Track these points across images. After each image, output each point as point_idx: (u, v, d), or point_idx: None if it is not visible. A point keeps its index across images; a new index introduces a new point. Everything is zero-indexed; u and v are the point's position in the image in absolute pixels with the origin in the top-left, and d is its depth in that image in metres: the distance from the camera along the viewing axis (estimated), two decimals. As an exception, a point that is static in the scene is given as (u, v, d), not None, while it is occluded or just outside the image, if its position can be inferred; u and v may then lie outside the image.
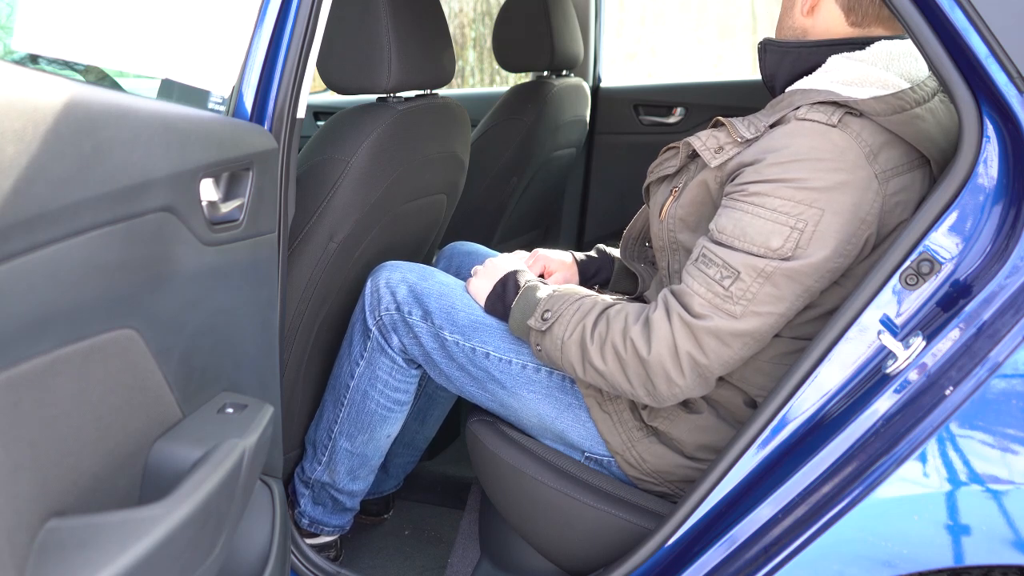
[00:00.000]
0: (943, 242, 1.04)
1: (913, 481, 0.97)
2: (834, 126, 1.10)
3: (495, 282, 1.38)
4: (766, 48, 1.26)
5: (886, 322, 1.06)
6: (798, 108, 1.14)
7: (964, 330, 0.99)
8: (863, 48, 1.17)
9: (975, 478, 0.96)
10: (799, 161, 1.09)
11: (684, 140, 1.26)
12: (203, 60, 1.18)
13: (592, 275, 1.61)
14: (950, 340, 1.00)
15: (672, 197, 1.28)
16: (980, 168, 1.01)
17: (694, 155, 1.26)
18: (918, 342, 1.02)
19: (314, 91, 2.34)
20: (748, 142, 1.16)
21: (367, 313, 1.43)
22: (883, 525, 0.99)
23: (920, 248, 1.04)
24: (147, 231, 0.90)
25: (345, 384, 1.48)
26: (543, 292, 1.30)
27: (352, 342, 1.47)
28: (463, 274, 1.64)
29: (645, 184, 1.38)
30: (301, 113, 1.21)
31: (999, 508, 0.95)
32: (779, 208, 1.09)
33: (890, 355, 1.04)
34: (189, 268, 0.99)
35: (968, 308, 0.99)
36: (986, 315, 0.99)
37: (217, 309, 1.06)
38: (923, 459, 0.97)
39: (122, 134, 0.85)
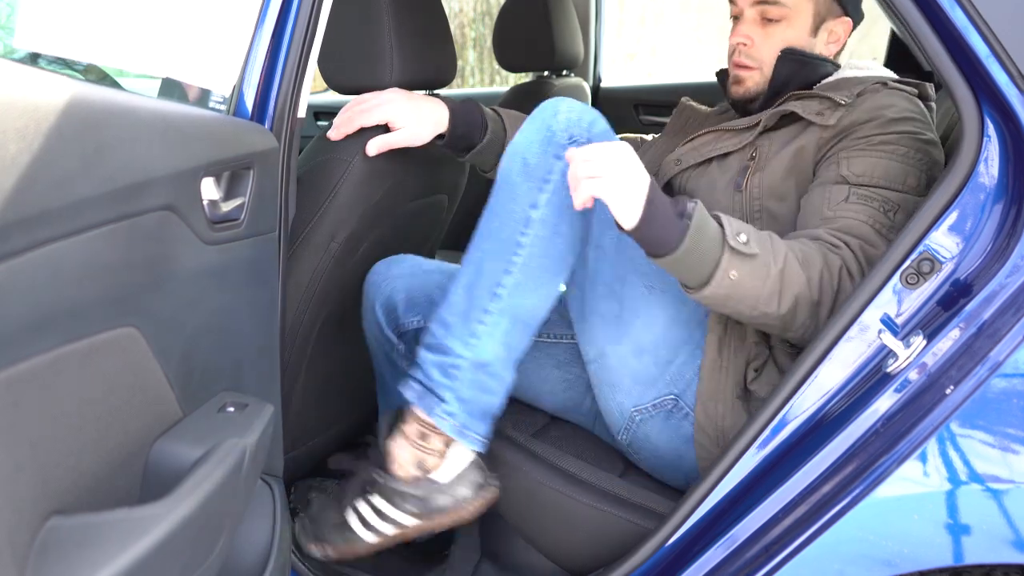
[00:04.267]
0: (944, 241, 1.04)
1: (913, 480, 0.97)
2: (916, 95, 1.29)
3: (644, 185, 1.08)
4: (786, 58, 1.36)
5: (887, 321, 1.06)
6: (878, 83, 1.30)
7: (965, 329, 0.99)
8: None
9: (975, 477, 0.96)
10: (910, 119, 1.24)
11: (773, 112, 1.33)
12: (204, 59, 1.18)
13: (464, 132, 1.46)
14: (951, 339, 1.00)
15: (751, 169, 1.32)
16: (981, 167, 1.02)
17: (767, 130, 1.33)
18: (919, 341, 1.02)
19: (315, 91, 2.34)
20: (847, 106, 1.27)
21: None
22: (884, 524, 0.99)
23: (921, 247, 1.04)
24: (148, 230, 0.90)
25: (514, 240, 1.21)
26: (720, 217, 1.12)
27: (517, 191, 1.21)
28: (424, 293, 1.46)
29: (678, 171, 1.41)
30: (302, 113, 1.21)
31: (999, 507, 0.95)
32: (907, 154, 1.21)
33: (890, 354, 1.04)
34: (190, 267, 0.99)
35: (969, 307, 0.99)
36: (987, 314, 0.99)
37: (218, 308, 1.06)
38: (923, 458, 0.97)
39: (124, 133, 0.85)
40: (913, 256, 1.04)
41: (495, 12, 2.76)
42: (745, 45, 1.39)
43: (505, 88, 2.72)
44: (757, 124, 1.34)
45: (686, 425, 1.30)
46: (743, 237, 1.08)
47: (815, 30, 1.37)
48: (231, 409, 1.06)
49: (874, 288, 1.05)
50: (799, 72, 1.37)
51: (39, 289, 0.76)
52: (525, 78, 2.74)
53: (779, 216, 1.31)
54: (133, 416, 0.93)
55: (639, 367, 1.30)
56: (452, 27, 2.14)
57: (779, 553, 1.01)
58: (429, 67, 1.52)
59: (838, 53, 1.42)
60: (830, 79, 1.38)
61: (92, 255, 0.82)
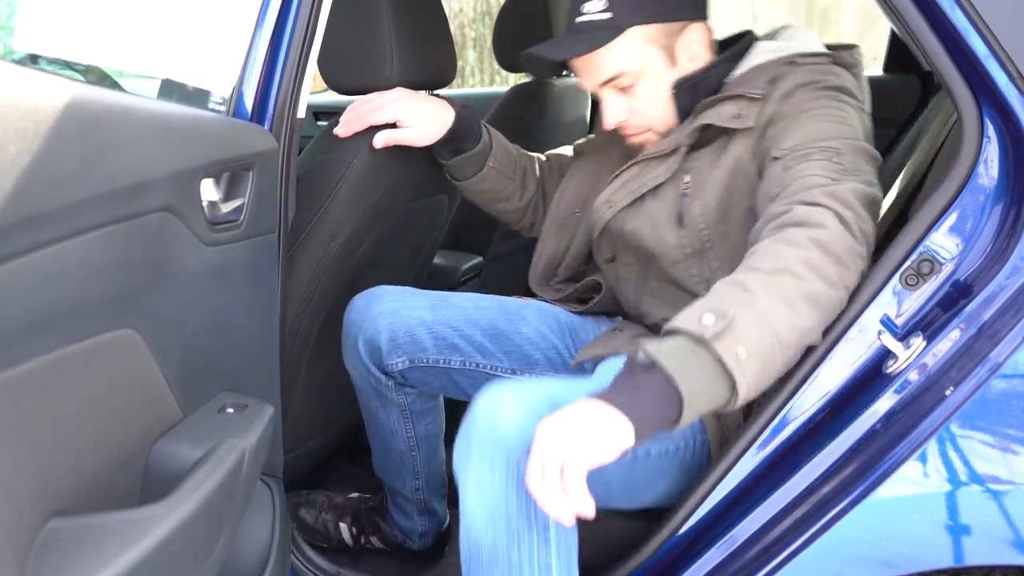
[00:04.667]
0: (943, 242, 1.04)
1: (913, 481, 0.97)
2: (833, 65, 1.21)
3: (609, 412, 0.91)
4: (679, 90, 1.28)
5: (886, 322, 1.06)
6: (789, 64, 1.22)
7: (964, 330, 0.99)
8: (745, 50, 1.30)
9: (976, 478, 0.96)
10: (829, 87, 1.18)
11: (690, 130, 1.23)
12: (204, 60, 1.18)
13: (462, 136, 1.46)
14: (950, 340, 1.00)
15: (687, 200, 1.24)
16: (980, 168, 1.02)
17: (691, 149, 1.25)
18: (918, 342, 1.02)
19: (314, 91, 2.33)
20: (763, 99, 1.20)
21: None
22: (883, 525, 0.99)
23: (920, 248, 1.04)
24: (148, 231, 0.90)
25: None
26: (675, 325, 0.95)
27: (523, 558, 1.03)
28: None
29: (612, 214, 1.30)
30: (301, 113, 1.21)
31: (1000, 508, 0.95)
32: (833, 112, 1.15)
33: (890, 355, 1.04)
34: (189, 268, 0.99)
35: (968, 308, 0.99)
36: (986, 315, 0.99)
37: (217, 309, 1.06)
38: (923, 459, 0.97)
39: (123, 134, 0.85)
40: (913, 257, 1.04)
41: (495, 12, 2.76)
42: (623, 121, 1.31)
43: (505, 88, 2.72)
44: (678, 149, 1.25)
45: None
46: (706, 318, 0.92)
47: (672, 60, 1.27)
48: (231, 410, 1.06)
49: (874, 289, 1.05)
50: (698, 91, 1.28)
51: (39, 290, 0.76)
52: (525, 78, 2.74)
53: (732, 238, 1.23)
54: (133, 417, 0.93)
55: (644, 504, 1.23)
56: (452, 27, 2.14)
57: (779, 554, 1.01)
58: (429, 67, 1.52)
59: (712, 50, 1.31)
60: (738, 72, 1.28)
61: (91, 256, 0.82)
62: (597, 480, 0.94)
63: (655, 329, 1.33)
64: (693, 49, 1.28)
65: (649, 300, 1.36)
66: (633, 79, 1.27)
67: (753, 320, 0.93)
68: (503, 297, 1.50)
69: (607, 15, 1.24)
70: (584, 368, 1.37)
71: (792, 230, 1.00)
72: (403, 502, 1.58)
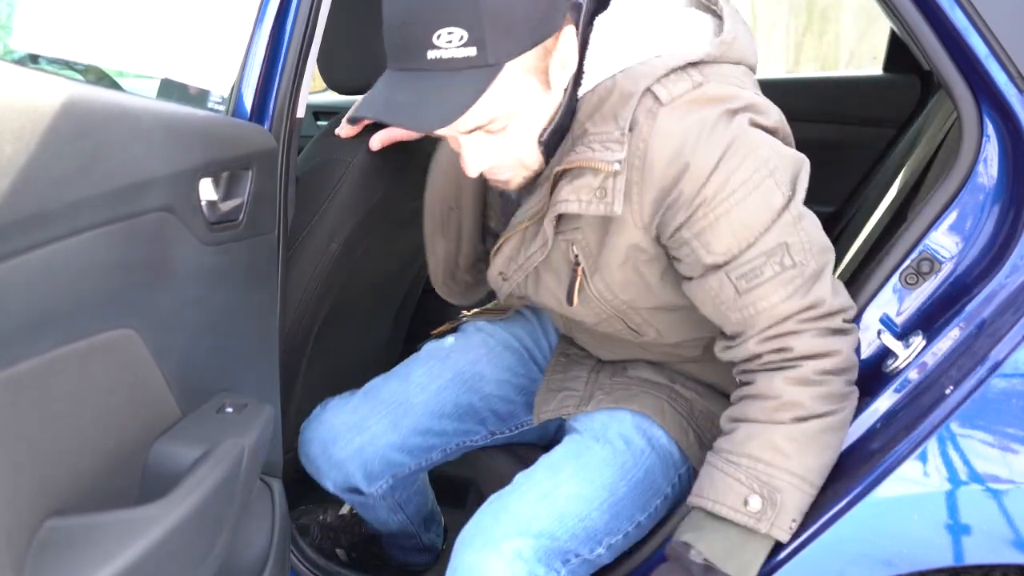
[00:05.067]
0: (943, 241, 1.04)
1: (913, 480, 0.97)
2: (702, 84, 0.97)
3: None
4: (546, 143, 1.03)
5: (886, 321, 1.06)
6: (645, 95, 0.97)
7: (964, 329, 0.99)
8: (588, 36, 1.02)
9: (975, 477, 0.96)
10: (716, 120, 0.95)
11: (549, 218, 1.05)
12: (203, 59, 1.18)
13: None
14: (950, 339, 1.00)
15: (584, 277, 1.09)
16: (980, 167, 1.02)
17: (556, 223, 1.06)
18: (918, 341, 1.02)
19: (314, 91, 2.33)
20: (631, 161, 0.98)
21: None
22: (883, 524, 0.99)
23: (920, 247, 1.04)
24: (146, 231, 0.90)
25: None
26: (718, 509, 1.00)
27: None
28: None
29: (511, 287, 1.17)
30: (301, 112, 1.21)
31: (999, 507, 0.95)
32: (746, 180, 0.95)
33: (890, 354, 1.04)
34: (188, 268, 0.99)
35: (968, 307, 0.99)
36: (986, 314, 0.99)
37: (216, 309, 1.06)
38: (923, 458, 0.97)
39: (121, 134, 0.85)
40: (913, 256, 1.04)
41: (495, 12, 2.75)
42: (490, 167, 1.04)
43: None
44: (544, 216, 1.06)
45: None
46: (753, 501, 0.98)
47: (547, 83, 0.98)
48: (230, 410, 1.06)
49: (874, 288, 1.05)
50: (560, 133, 1.03)
51: (37, 290, 0.76)
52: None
53: (650, 295, 1.10)
54: (132, 417, 0.93)
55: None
56: (452, 27, 2.14)
57: (779, 553, 1.01)
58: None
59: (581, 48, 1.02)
60: (585, 103, 1.01)
61: (90, 256, 0.82)
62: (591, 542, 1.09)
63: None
64: (566, 59, 0.99)
65: (582, 338, 1.31)
66: (507, 120, 0.98)
67: (795, 487, 0.98)
68: (454, 361, 1.37)
69: (471, 51, 0.90)
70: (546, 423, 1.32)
71: (804, 364, 0.99)
72: (400, 546, 1.57)
